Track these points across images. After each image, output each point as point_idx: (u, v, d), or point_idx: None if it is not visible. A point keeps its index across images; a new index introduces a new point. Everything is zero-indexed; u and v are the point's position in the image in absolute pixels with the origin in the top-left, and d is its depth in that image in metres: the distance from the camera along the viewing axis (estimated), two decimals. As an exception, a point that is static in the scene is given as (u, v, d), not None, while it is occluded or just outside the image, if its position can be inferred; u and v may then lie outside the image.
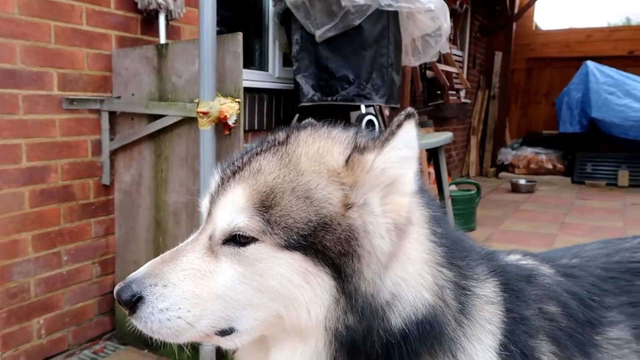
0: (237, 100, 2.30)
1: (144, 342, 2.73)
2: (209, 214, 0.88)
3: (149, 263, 0.87)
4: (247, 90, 3.81)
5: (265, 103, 3.93)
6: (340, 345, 0.78)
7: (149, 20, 2.88)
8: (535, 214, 6.09)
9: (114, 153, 2.74)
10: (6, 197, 2.34)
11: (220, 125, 2.31)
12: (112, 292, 2.82)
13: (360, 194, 0.82)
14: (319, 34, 3.36)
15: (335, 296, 0.79)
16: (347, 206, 0.81)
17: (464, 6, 7.41)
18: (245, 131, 3.31)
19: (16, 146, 2.36)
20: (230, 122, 2.25)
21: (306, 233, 0.79)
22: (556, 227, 5.43)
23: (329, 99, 3.52)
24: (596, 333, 0.96)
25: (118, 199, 2.79)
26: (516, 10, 9.30)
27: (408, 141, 0.83)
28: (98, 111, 2.69)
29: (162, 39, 2.82)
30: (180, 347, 2.68)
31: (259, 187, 0.82)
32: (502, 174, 9.23)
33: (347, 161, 0.84)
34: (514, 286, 0.94)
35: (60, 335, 2.62)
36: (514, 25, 9.30)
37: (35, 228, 2.46)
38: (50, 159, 2.50)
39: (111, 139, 2.72)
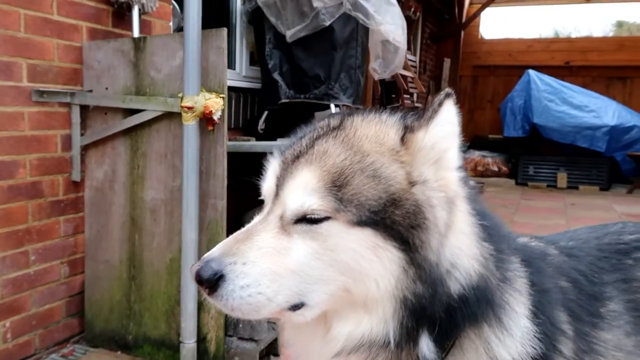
0: (221, 95, 2.29)
1: (116, 343, 2.65)
2: (276, 195, 0.91)
3: (222, 243, 0.89)
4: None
5: (233, 101, 3.91)
6: (409, 313, 0.84)
7: (120, 13, 2.81)
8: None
9: (85, 148, 2.65)
10: (-28, 193, 2.21)
11: (204, 120, 2.30)
12: (81, 293, 2.73)
13: (418, 170, 0.88)
14: (290, 34, 3.40)
15: (404, 267, 0.84)
16: (412, 183, 0.87)
17: (417, 14, 7.67)
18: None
19: (-17, 139, 2.24)
20: (216, 117, 2.25)
21: (377, 209, 0.83)
22: (507, 226, 5.72)
23: (302, 96, 3.56)
24: (600, 306, 1.07)
25: (89, 196, 2.69)
26: (464, 19, 9.72)
27: (450, 118, 0.90)
28: (69, 105, 2.59)
29: (136, 33, 2.75)
30: (155, 347, 2.64)
31: (328, 168, 0.86)
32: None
33: (402, 141, 0.89)
34: (534, 263, 1.03)
35: (27, 339, 2.49)
36: (462, 33, 9.72)
37: (2, 226, 2.34)
38: (18, 153, 2.38)
39: (82, 134, 2.63)
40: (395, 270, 0.84)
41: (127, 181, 2.59)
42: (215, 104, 2.22)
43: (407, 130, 0.91)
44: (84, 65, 2.63)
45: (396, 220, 0.84)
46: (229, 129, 3.89)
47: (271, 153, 0.99)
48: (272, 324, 2.56)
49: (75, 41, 2.60)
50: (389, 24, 3.79)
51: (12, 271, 2.40)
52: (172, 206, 2.47)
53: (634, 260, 1.15)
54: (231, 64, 4.14)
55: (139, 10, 2.79)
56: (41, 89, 2.44)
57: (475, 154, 9.60)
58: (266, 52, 3.61)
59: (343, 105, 3.71)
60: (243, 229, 0.91)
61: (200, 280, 0.84)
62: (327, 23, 3.42)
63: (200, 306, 2.44)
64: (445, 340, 0.88)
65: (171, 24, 3.27)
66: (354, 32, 3.64)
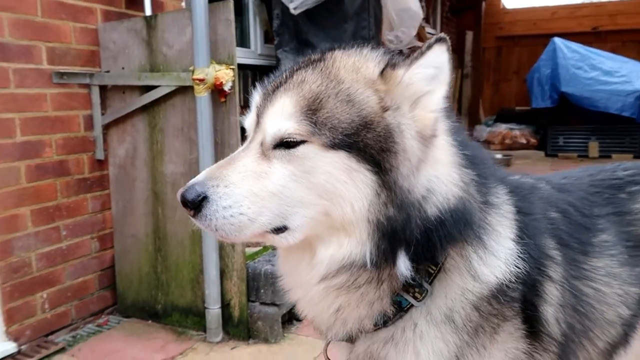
0: (231, 67, 2.34)
1: (147, 313, 2.77)
2: (257, 124, 0.95)
3: (206, 170, 0.94)
4: (231, 67, 3.84)
5: (249, 79, 3.96)
6: (382, 235, 0.86)
7: (133, -5, 2.88)
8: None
9: (106, 127, 2.75)
10: (3, 172, 2.33)
11: (216, 92, 2.36)
12: (112, 267, 2.85)
13: (393, 100, 0.90)
14: (294, 5, 3.40)
15: (376, 190, 0.86)
16: (384, 109, 0.89)
17: (435, -15, 7.52)
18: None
19: (10, 120, 2.35)
20: (226, 88, 2.30)
21: (350, 132, 0.86)
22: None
23: (314, 71, 3.58)
24: (592, 236, 1.08)
25: (113, 173, 2.80)
26: (484, -11, 9.49)
27: (436, 63, 0.90)
28: (88, 85, 2.68)
29: (148, 12, 2.83)
30: (183, 315, 2.73)
31: (304, 94, 0.89)
32: (478, 150, 9.46)
33: (381, 73, 0.92)
34: (521, 192, 1.05)
35: (64, 310, 2.63)
36: (483, 4, 9.49)
37: (33, 203, 2.47)
38: (44, 133, 2.50)
39: (102, 114, 2.73)
40: (369, 193, 0.86)
41: (147, 157, 2.68)
42: (226, 75, 2.27)
43: (388, 65, 0.92)
44: (101, 46, 2.72)
45: (368, 144, 0.87)
46: (244, 106, 3.96)
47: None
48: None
49: (91, 23, 2.69)
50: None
51: (45, 245, 2.53)
52: (191, 178, 2.54)
53: (628, 194, 1.16)
54: (245, 43, 4.19)
55: (150, -10, 2.86)
56: (61, 70, 2.54)
57: (502, 127, 9.40)
58: (274, 28, 3.63)
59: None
60: (227, 157, 0.96)
61: (184, 202, 0.89)
62: (336, -6, 3.41)
63: (223, 273, 2.52)
64: (425, 261, 0.91)
65: (183, 3, 3.33)
66: (365, 2, 3.62)
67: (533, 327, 0.97)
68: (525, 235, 0.97)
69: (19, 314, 2.41)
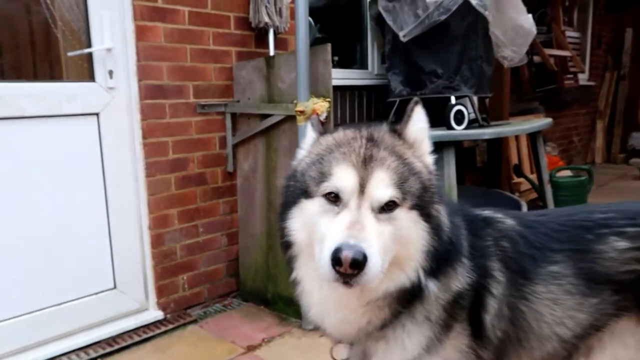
0: (327, 99, 2.78)
1: (260, 299, 3.36)
2: (362, 191, 1.12)
3: (343, 233, 1.06)
4: (350, 88, 4.29)
5: (364, 98, 4.37)
6: (431, 258, 1.16)
7: (260, 36, 3.49)
8: (660, 202, 5.69)
9: (235, 146, 3.40)
10: (159, 182, 3.09)
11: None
12: (237, 259, 3.51)
13: (426, 159, 1.24)
14: (404, 33, 3.69)
15: (428, 232, 1.16)
16: (430, 172, 1.23)
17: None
18: (337, 125, 3.79)
19: (165, 143, 3.10)
20: (322, 117, 2.73)
21: (418, 195, 1.17)
22: None
23: (418, 93, 3.84)
24: (537, 266, 1.28)
25: (239, 183, 3.45)
26: (649, -19, 8.50)
27: (419, 119, 1.26)
28: (223, 113, 3.36)
29: (272, 51, 3.41)
30: (286, 304, 3.29)
31: (391, 170, 1.16)
32: (634, 160, 8.54)
33: (407, 141, 1.24)
34: (475, 226, 1.32)
35: (199, 290, 3.35)
36: (647, -3, 8.51)
37: (179, 206, 3.20)
38: (188, 152, 3.22)
39: (233, 135, 3.38)
40: (424, 235, 1.16)
41: (264, 171, 3.25)
42: (321, 107, 2.71)
43: (398, 132, 1.24)
44: (234, 81, 3.37)
45: (425, 200, 1.17)
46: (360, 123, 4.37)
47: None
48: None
49: (227, 63, 3.36)
50: (512, 11, 3.82)
51: (187, 239, 3.26)
52: (296, 191, 3.05)
53: (595, 235, 1.31)
54: (364, 64, 4.61)
55: (274, 31, 3.43)
56: (203, 103, 3.24)
57: (667, 135, 8.37)
58: (386, 52, 3.97)
59: (464, 96, 3.88)
60: (350, 219, 1.09)
61: (355, 263, 1.00)
62: (443, 18, 3.62)
63: (318, 273, 2.98)
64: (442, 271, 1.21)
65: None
66: (474, 24, 3.76)
67: (476, 329, 1.24)
68: (476, 255, 1.24)
69: (166, 290, 3.17)
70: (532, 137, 4.33)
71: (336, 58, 4.65)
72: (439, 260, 1.17)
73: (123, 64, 2.90)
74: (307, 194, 1.17)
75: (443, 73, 3.79)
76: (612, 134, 9.06)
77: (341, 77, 4.33)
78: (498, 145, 5.21)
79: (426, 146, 1.27)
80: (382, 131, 1.25)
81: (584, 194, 5.31)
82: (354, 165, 1.15)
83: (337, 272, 1.02)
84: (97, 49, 2.79)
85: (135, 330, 2.97)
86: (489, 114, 4.84)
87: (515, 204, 4.42)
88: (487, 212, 1.40)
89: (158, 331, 2.98)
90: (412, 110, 1.26)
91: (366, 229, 1.06)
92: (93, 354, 2.72)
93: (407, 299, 1.21)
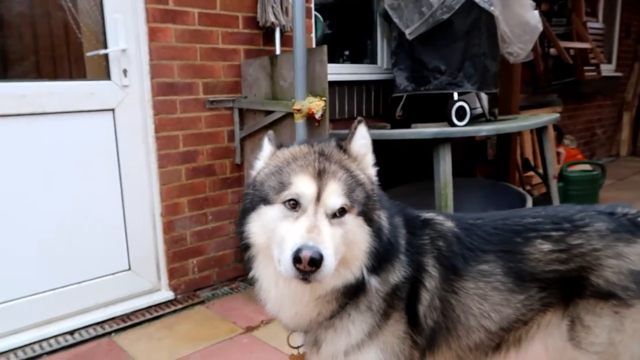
0: (323, 98, 2.94)
1: (264, 284, 3.58)
2: (318, 199, 1.26)
3: (302, 235, 1.19)
4: (359, 83, 4.43)
5: (372, 93, 4.50)
6: (373, 257, 1.32)
7: (268, 34, 3.66)
8: (678, 197, 5.64)
9: (242, 140, 3.60)
10: (170, 173, 3.33)
11: (312, 119, 2.98)
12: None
13: (369, 171, 1.40)
14: (409, 31, 3.80)
15: (371, 235, 1.33)
16: (372, 182, 1.39)
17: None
18: (346, 119, 3.97)
19: (175, 136, 3.33)
20: (317, 116, 2.91)
21: (363, 203, 1.33)
22: None
23: (422, 88, 3.95)
24: (467, 264, 1.43)
25: (246, 174, 3.66)
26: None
27: (362, 136, 1.41)
28: (231, 108, 3.56)
29: (278, 50, 3.58)
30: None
31: (344, 182, 1.31)
32: (660, 153, 8.38)
33: (351, 155, 1.40)
34: (414, 226, 1.48)
35: (208, 274, 3.60)
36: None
37: (189, 195, 3.44)
38: (198, 145, 3.44)
39: (240, 129, 3.58)
40: (367, 237, 1.32)
41: (268, 164, 3.44)
42: (317, 105, 2.88)
43: (347, 148, 1.40)
44: (242, 78, 3.57)
45: (369, 207, 1.33)
46: (368, 117, 4.51)
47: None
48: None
49: (235, 61, 3.55)
50: (518, 8, 3.86)
51: (196, 226, 3.50)
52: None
53: (523, 239, 1.45)
54: (374, 59, 4.73)
55: (280, 30, 3.60)
56: (211, 98, 3.44)
57: (695, 128, 8.15)
58: (392, 48, 4.08)
59: (467, 92, 3.97)
60: (308, 223, 1.23)
61: (313, 261, 1.14)
62: (446, 17, 3.71)
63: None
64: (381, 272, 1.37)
65: (313, 35, 4.02)
66: (477, 21, 3.83)
67: (411, 317, 1.41)
68: (413, 252, 1.40)
69: (177, 273, 3.43)
70: (539, 132, 4.38)
71: (347, 52, 4.79)
72: (380, 259, 1.34)
73: (136, 63, 3.13)
74: (266, 201, 1.32)
75: (446, 69, 3.89)
76: (639, 126, 8.86)
77: (351, 71, 4.48)
78: (508, 138, 5.25)
79: (369, 160, 1.42)
80: (330, 147, 1.41)
81: (595, 188, 5.31)
82: (312, 176, 1.29)
83: (297, 269, 1.15)
84: (112, 50, 3.03)
85: (148, 309, 3.25)
86: (498, 108, 4.90)
87: (520, 197, 4.50)
88: (428, 214, 1.56)
89: (168, 310, 3.25)
90: (355, 128, 1.41)
91: (322, 233, 1.20)
92: (108, 329, 3.01)
93: (352, 293, 1.38)
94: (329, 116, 4.05)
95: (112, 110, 3.09)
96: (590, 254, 1.44)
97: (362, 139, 1.41)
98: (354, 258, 1.32)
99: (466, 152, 5.41)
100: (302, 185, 1.28)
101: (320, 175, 1.30)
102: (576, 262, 1.44)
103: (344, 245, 1.28)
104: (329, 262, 1.17)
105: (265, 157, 1.46)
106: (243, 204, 1.43)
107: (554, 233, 1.45)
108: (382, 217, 1.36)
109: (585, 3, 6.73)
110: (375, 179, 1.43)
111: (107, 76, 3.08)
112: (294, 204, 1.28)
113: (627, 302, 1.41)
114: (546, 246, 1.44)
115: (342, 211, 1.27)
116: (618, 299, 1.41)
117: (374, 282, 1.35)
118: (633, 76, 8.78)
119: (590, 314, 1.43)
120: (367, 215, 1.32)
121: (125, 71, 3.09)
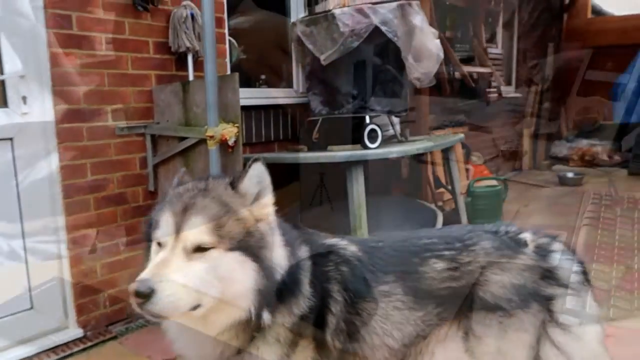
0: (236, 125, 2.96)
1: (182, 313, 3.48)
2: (177, 235, 1.32)
3: (150, 268, 1.27)
4: (275, 106, 4.49)
5: (289, 116, 4.58)
6: (261, 295, 1.36)
7: (181, 59, 3.63)
8: (570, 208, 6.19)
9: (156, 166, 3.52)
10: (77, 203, 3.17)
11: (225, 144, 2.99)
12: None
13: (258, 212, 1.42)
14: (324, 57, 3.93)
15: (257, 272, 1.36)
16: (257, 220, 1.41)
17: (500, 4, 7.57)
18: (263, 142, 4.00)
19: (82, 165, 3.19)
20: (230, 142, 2.91)
21: (240, 239, 1.36)
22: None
23: (336, 112, 4.09)
24: (369, 286, 1.52)
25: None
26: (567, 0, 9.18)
27: (256, 175, 1.45)
28: (143, 134, 3.47)
29: (191, 75, 3.56)
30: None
31: (210, 217, 1.35)
32: (556, 166, 9.18)
33: (239, 192, 1.43)
34: (319, 254, 1.53)
35: (121, 307, 3.44)
36: (565, 16, 9.19)
37: (99, 225, 3.29)
38: (108, 173, 3.32)
39: (153, 156, 3.50)
40: (253, 275, 1.35)
41: (183, 191, 3.39)
42: (230, 132, 2.89)
43: (235, 186, 1.43)
44: (154, 103, 3.50)
45: (251, 244, 1.36)
46: (286, 140, 4.58)
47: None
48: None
49: (146, 86, 3.48)
50: (421, 37, 4.12)
51: (107, 257, 3.35)
52: (212, 210, 3.21)
53: (420, 259, 1.56)
54: (290, 84, 4.82)
55: (193, 55, 3.58)
56: (121, 125, 3.34)
57: (584, 143, 9.06)
58: (305, 74, 4.20)
59: (378, 115, 4.15)
60: (161, 258, 1.30)
61: (138, 293, 1.20)
62: (355, 44, 3.88)
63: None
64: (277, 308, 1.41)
65: (227, 60, 4.04)
66: (385, 49, 4.05)
67: (319, 342, 1.45)
68: (318, 281, 1.45)
69: (86, 308, 3.25)
70: (445, 151, 4.66)
71: (263, 77, 4.85)
72: (272, 295, 1.37)
73: (38, 89, 2.98)
74: (150, 238, 1.39)
75: (358, 94, 4.05)
76: (537, 142, 9.68)
77: (267, 95, 4.53)
78: (420, 157, 5.54)
79: (263, 198, 1.45)
80: (218, 183, 1.45)
81: (499, 202, 5.71)
82: (175, 213, 1.35)
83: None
84: (8, 76, 2.86)
85: (54, 349, 3.05)
86: (410, 129, 5.17)
87: (432, 213, 4.75)
88: (332, 240, 1.62)
89: (77, 349, 3.07)
90: (249, 166, 1.45)
91: (167, 266, 1.26)
92: (8, 374, 2.79)
93: (256, 327, 1.40)
94: (246, 140, 4.11)
95: (10, 139, 2.91)
96: (478, 270, 1.57)
97: (255, 178, 1.44)
98: (238, 295, 1.35)
99: (381, 170, 5.64)
100: (164, 223, 1.36)
101: (184, 211, 1.35)
102: (467, 279, 1.57)
103: (217, 280, 1.30)
104: (166, 295, 1.21)
105: (168, 194, 1.50)
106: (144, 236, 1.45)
107: (446, 252, 1.57)
108: (274, 254, 1.40)
109: (485, 30, 7.32)
110: (271, 217, 1.46)
111: (3, 103, 2.90)
112: (159, 242, 1.37)
113: (510, 312, 1.54)
114: (440, 265, 1.56)
115: (204, 246, 1.31)
116: (503, 310, 1.55)
117: (267, 318, 1.38)
118: (530, 96, 9.60)
119: (480, 325, 1.56)
120: (248, 251, 1.35)
121: (24, 98, 2.93)
